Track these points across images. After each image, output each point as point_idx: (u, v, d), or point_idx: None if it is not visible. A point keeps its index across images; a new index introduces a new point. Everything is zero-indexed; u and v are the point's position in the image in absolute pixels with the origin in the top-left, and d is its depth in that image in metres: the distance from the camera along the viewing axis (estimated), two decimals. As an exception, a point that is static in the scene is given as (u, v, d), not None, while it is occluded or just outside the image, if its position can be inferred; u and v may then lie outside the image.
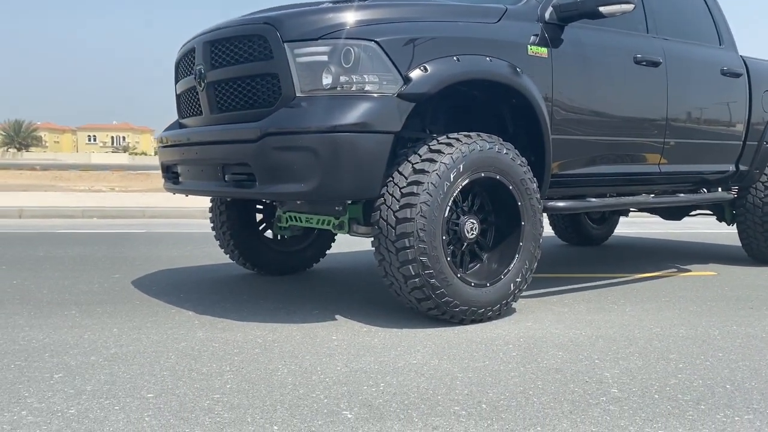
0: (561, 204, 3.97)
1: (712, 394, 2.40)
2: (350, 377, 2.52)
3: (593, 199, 4.10)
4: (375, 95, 3.16)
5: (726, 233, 7.92)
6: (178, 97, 4.15)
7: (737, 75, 5.10)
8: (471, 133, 3.41)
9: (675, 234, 8.43)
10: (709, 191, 5.24)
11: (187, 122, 4.00)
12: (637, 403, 2.30)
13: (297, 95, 3.20)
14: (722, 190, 5.34)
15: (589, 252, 6.66)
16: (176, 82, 4.14)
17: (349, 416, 2.14)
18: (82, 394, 2.29)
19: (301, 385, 2.42)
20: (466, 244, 3.50)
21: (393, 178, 3.26)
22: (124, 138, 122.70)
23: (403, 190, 3.19)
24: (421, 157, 3.26)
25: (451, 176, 3.24)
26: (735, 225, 5.73)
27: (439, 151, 3.26)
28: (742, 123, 5.19)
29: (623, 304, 4.01)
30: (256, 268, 4.84)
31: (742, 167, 5.29)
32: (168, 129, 4.22)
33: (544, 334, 3.22)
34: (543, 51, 3.76)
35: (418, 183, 3.18)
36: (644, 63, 4.35)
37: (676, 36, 4.73)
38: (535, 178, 3.62)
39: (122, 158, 79.87)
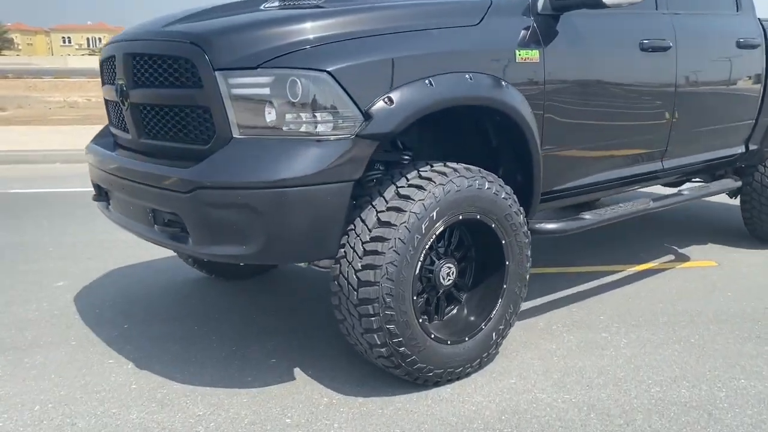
0: (550, 226, 3.47)
1: None
2: None
3: (588, 216, 3.61)
4: (330, 138, 2.59)
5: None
6: (105, 101, 3.54)
7: (754, 46, 4.48)
8: (446, 168, 2.86)
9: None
10: (714, 177, 4.74)
11: (116, 134, 3.41)
12: None
13: (234, 136, 2.63)
14: (729, 173, 4.85)
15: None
16: (102, 84, 3.51)
17: None
18: None
19: None
20: (441, 290, 3.04)
21: (355, 226, 2.75)
22: (100, 39, 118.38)
23: (366, 247, 2.69)
24: (387, 203, 2.74)
25: (423, 227, 2.73)
26: (737, 199, 5.28)
27: (407, 198, 2.73)
28: (757, 99, 4.62)
29: (617, 332, 3.61)
30: (213, 274, 4.38)
31: (752, 146, 4.77)
32: (97, 138, 3.63)
33: (528, 405, 2.83)
34: (534, 55, 3.15)
35: (383, 239, 2.68)
36: (651, 49, 3.74)
37: (688, 7, 4.08)
38: (521, 209, 3.12)
39: (99, 62, 76.83)
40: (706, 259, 4.96)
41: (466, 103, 2.89)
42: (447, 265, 3.00)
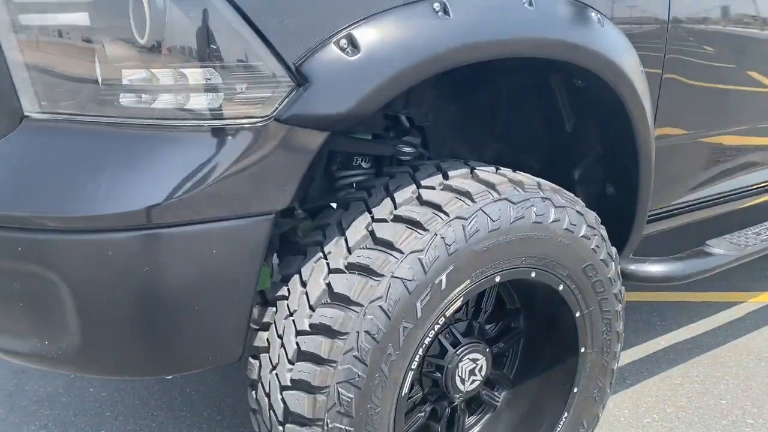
0: (656, 270, 2.02)
1: None
2: None
3: (719, 250, 2.11)
4: (221, 123, 1.20)
5: None
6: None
7: None
8: (472, 181, 1.46)
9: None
10: None
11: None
12: None
13: (27, 114, 1.26)
14: None
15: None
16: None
17: None
18: None
19: None
20: (459, 399, 1.67)
21: (289, 292, 1.40)
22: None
23: (302, 343, 1.33)
24: (348, 254, 1.36)
25: (419, 307, 1.34)
26: None
27: (388, 246, 1.34)
28: None
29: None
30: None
31: None
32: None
33: None
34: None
35: (332, 333, 1.30)
36: None
37: None
38: (614, 250, 1.69)
39: None
40: None
41: (520, 52, 1.44)
42: (471, 356, 1.61)
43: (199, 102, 1.19)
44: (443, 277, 1.35)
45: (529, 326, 1.77)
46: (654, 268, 2.00)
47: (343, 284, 1.32)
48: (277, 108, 1.20)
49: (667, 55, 1.80)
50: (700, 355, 2.72)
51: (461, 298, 1.42)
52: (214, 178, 1.19)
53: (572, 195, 1.61)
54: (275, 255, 1.70)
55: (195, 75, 1.18)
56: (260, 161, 1.22)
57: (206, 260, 1.23)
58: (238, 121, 1.20)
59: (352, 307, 1.30)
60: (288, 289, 1.42)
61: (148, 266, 1.19)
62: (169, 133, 1.20)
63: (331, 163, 1.73)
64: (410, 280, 1.32)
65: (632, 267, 1.99)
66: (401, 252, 1.32)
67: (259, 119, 1.20)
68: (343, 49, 1.21)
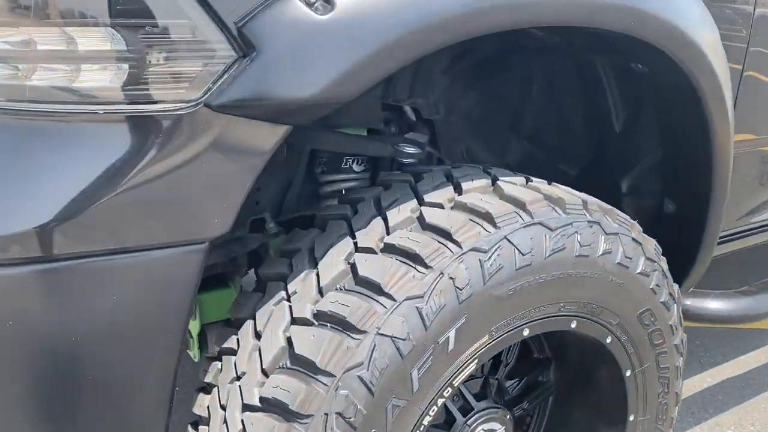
0: (718, 307, 1.63)
1: None
2: None
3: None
4: (132, 110, 0.82)
5: None
6: None
7: None
8: (494, 199, 1.06)
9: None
10: None
11: None
12: None
13: None
14: None
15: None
16: None
17: None
18: None
19: None
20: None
21: (237, 342, 1.02)
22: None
23: (248, 424, 0.94)
24: (321, 295, 0.97)
25: (415, 378, 0.95)
26: None
27: (377, 288, 0.95)
28: None
29: None
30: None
31: None
32: None
33: None
34: None
35: (291, 415, 0.91)
36: None
37: None
38: (676, 287, 1.29)
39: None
40: None
41: (567, 19, 1.04)
42: (486, 426, 1.22)
43: (95, 78, 0.80)
44: (451, 334, 0.96)
45: (562, 380, 1.37)
46: (716, 305, 1.61)
47: (308, 342, 0.93)
48: (210, 89, 0.82)
49: (750, 48, 1.40)
50: (755, 397, 2.31)
51: (476, 361, 1.03)
52: (115, 192, 0.80)
53: (626, 217, 1.20)
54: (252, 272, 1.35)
55: (88, 38, 0.79)
56: (185, 167, 0.83)
57: (106, 309, 0.84)
58: (153, 107, 0.81)
59: (319, 377, 0.91)
60: (237, 341, 1.03)
61: (15, 318, 0.81)
62: (52, 124, 0.82)
63: (314, 165, 1.36)
64: (404, 339, 0.92)
65: (688, 302, 1.59)
66: (392, 298, 0.93)
67: (184, 105, 0.81)
68: (310, 5, 0.82)
